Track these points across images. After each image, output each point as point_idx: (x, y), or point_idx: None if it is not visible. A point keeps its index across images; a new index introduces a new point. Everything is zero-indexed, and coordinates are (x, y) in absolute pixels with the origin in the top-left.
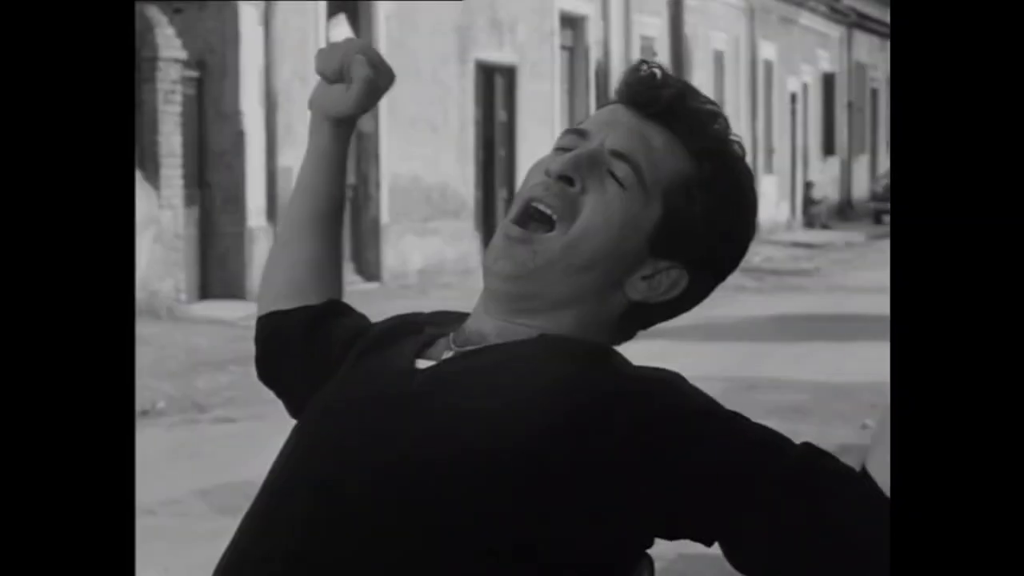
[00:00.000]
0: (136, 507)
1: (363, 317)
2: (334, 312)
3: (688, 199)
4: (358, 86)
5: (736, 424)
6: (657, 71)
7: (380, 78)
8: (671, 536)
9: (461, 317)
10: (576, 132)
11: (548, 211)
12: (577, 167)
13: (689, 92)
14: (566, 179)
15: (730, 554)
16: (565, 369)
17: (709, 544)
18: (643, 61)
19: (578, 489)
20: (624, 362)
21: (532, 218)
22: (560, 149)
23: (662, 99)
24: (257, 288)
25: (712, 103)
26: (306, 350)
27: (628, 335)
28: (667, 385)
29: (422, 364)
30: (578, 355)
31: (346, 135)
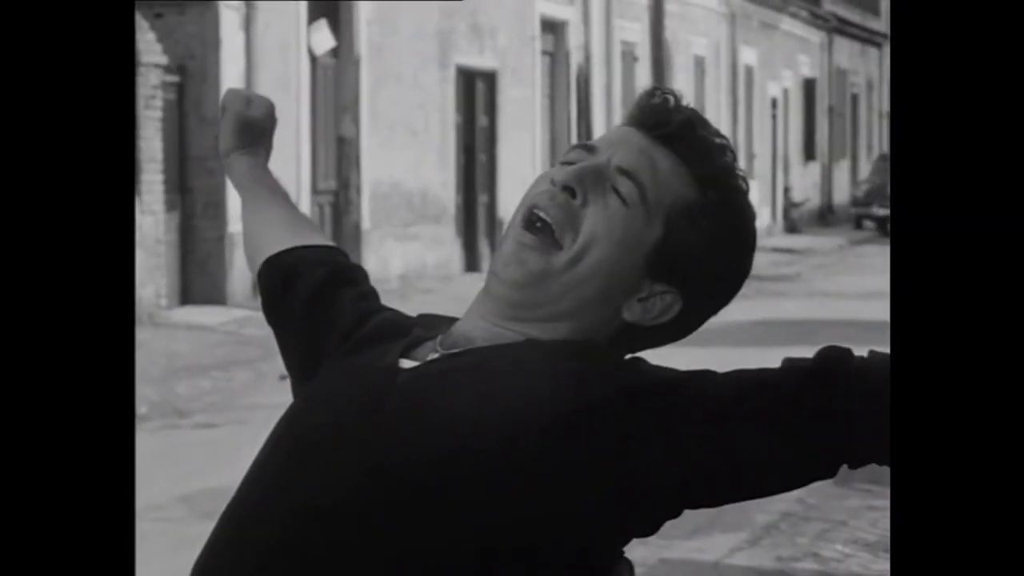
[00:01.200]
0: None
1: (365, 296)
2: (341, 282)
3: (689, 223)
4: (229, 107)
5: (711, 379)
6: (671, 97)
7: (250, 105)
8: (677, 507)
9: (449, 321)
10: (584, 147)
11: (548, 219)
12: (581, 180)
13: (699, 121)
14: (569, 190)
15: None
16: (552, 368)
17: (714, 505)
18: (657, 87)
19: (563, 487)
20: (608, 357)
21: (533, 224)
22: (567, 163)
23: (672, 123)
24: (238, 294)
25: (722, 136)
26: (310, 316)
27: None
28: (646, 374)
29: (406, 364)
30: (563, 354)
31: (258, 150)
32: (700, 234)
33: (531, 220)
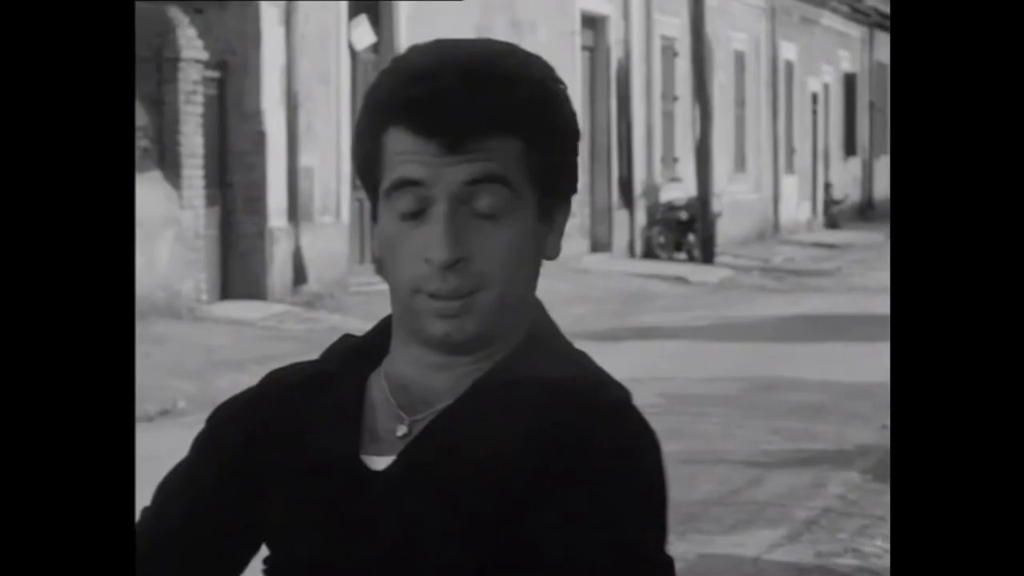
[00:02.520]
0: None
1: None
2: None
3: (541, 144)
4: None
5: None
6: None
7: None
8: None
9: (364, 350)
10: (411, 183)
11: (456, 297)
12: (456, 242)
13: (465, 84)
14: (452, 262)
15: None
16: (528, 419)
17: None
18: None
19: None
20: (579, 380)
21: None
22: (408, 215)
23: (460, 123)
24: (278, 289)
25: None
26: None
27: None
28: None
29: (377, 463)
30: (541, 399)
31: None
32: (556, 137)
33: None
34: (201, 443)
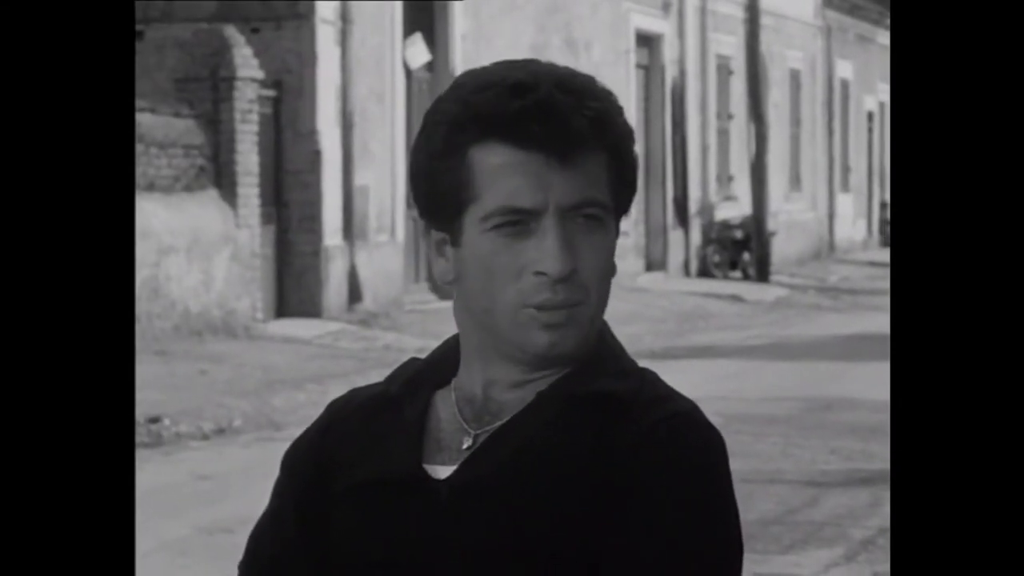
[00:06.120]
0: (214, 526)
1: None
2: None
3: (623, 158)
4: None
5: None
6: (525, 93)
7: None
8: None
9: (428, 370)
10: (521, 212)
11: (566, 319)
12: (570, 257)
13: (564, 102)
14: (565, 274)
15: None
16: (593, 432)
17: None
18: (512, 78)
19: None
20: (641, 396)
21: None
22: (512, 232)
23: (569, 134)
24: (334, 307)
25: (585, 90)
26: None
27: None
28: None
29: (440, 472)
30: (607, 411)
31: None
32: (630, 157)
33: (554, 311)
34: (279, 488)
